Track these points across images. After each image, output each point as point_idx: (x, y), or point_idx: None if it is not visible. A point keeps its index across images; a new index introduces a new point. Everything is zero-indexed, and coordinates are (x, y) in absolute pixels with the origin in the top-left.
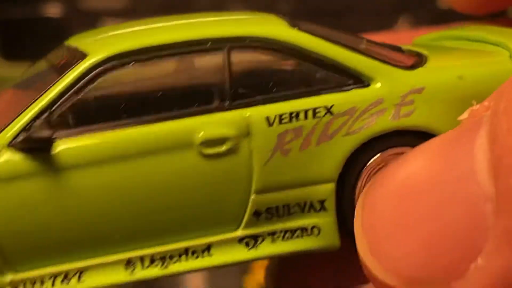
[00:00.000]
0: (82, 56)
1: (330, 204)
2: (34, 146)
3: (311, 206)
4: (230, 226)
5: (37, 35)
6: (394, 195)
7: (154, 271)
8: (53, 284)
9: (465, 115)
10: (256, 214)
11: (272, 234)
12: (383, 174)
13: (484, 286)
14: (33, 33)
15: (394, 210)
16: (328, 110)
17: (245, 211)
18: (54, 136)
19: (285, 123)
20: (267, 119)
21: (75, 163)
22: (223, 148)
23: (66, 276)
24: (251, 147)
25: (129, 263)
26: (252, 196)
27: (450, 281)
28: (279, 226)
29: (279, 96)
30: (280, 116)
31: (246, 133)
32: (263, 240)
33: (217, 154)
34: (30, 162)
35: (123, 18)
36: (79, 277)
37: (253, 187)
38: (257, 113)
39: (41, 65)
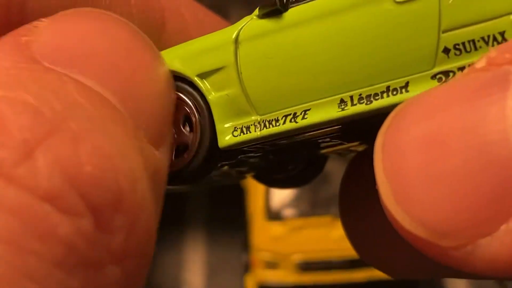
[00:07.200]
0: None
1: (510, 35)
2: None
3: (494, 39)
4: (425, 65)
5: None
6: (422, 143)
7: (360, 107)
8: (284, 122)
9: (481, 63)
10: (446, 51)
11: (461, 69)
12: (405, 119)
13: None
14: None
15: (424, 159)
16: None
17: (436, 50)
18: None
19: None
20: None
21: (299, 20)
22: None
23: (295, 115)
24: None
25: (341, 102)
26: (442, 34)
27: (477, 238)
28: (467, 60)
29: None
30: None
31: None
32: (453, 74)
33: None
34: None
35: None
36: (304, 115)
37: (442, 26)
38: None
39: None
